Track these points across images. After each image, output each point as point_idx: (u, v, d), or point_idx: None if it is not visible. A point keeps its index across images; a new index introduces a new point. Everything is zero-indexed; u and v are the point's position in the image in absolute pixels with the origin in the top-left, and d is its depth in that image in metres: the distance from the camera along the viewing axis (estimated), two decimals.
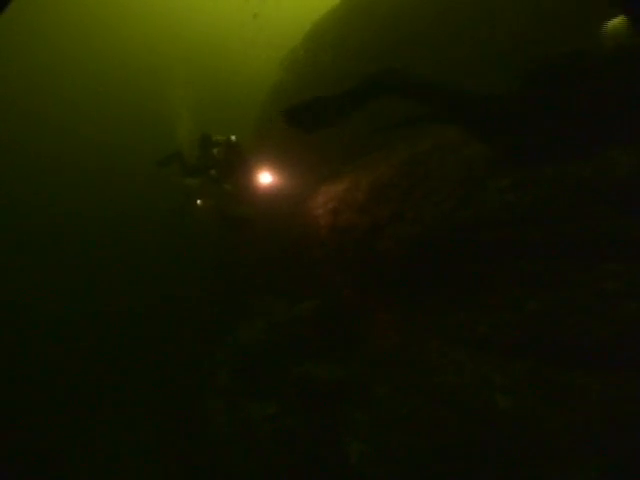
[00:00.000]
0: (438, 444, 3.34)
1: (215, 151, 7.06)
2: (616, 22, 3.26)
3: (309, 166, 6.77)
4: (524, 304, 3.35)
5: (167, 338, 8.08)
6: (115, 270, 12.75)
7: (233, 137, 7.00)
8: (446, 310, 3.73)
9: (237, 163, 6.95)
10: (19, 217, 16.79)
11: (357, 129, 6.82)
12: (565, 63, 3.29)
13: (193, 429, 5.49)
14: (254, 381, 4.88)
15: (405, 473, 3.40)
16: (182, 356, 7.29)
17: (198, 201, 8.16)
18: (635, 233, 3.06)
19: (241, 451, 4.51)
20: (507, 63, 5.02)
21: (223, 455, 4.68)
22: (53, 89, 24.52)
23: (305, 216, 5.86)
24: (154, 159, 8.15)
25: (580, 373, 3.01)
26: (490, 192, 3.49)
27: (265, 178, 6.78)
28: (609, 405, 2.78)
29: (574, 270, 3.29)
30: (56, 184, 19.63)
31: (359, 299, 4.49)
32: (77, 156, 20.79)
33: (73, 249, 14.67)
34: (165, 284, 10.43)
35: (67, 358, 8.52)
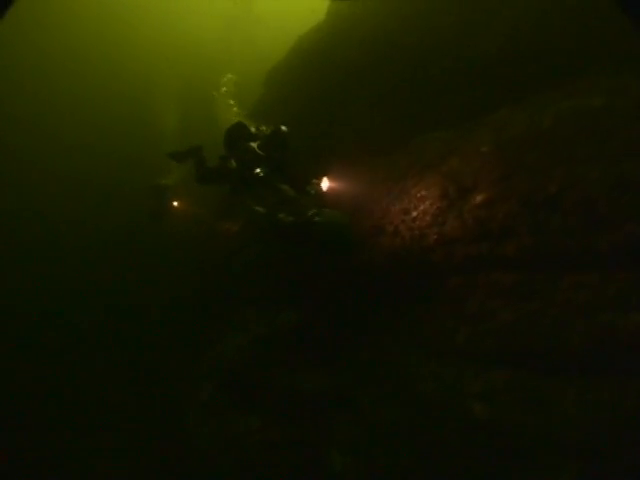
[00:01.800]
0: (419, 453, 3.41)
1: (255, 145, 5.50)
2: None
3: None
4: (499, 314, 3.47)
5: (150, 351, 8.01)
6: (99, 279, 12.57)
7: (283, 127, 5.49)
8: (425, 321, 3.83)
9: (286, 160, 5.53)
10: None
11: (330, 144, 6.93)
12: None
13: (178, 443, 5.46)
14: (238, 394, 4.89)
15: None
16: (166, 368, 7.24)
17: (175, 203, 7.25)
18: (604, 245, 3.19)
19: (226, 464, 4.51)
20: (485, 80, 5.21)
21: (208, 469, 4.68)
22: (40, 94, 24.32)
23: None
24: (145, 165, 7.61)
25: (555, 380, 3.12)
26: (465, 208, 3.62)
27: (326, 182, 5.35)
28: (584, 411, 2.87)
29: (546, 281, 3.41)
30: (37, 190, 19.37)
31: (341, 310, 4.56)
32: (61, 162, 20.55)
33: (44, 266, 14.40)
34: (148, 294, 10.32)
35: (49, 370, 8.40)
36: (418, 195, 4.13)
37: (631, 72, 3.61)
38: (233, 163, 5.55)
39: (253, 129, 5.63)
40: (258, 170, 5.32)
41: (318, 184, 5.29)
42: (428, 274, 3.92)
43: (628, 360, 2.87)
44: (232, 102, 7.12)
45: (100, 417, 6.96)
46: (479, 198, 3.59)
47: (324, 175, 5.36)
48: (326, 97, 8.06)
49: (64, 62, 25.44)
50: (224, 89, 7.46)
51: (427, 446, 3.39)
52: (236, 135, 5.67)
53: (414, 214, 4.04)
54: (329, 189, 5.29)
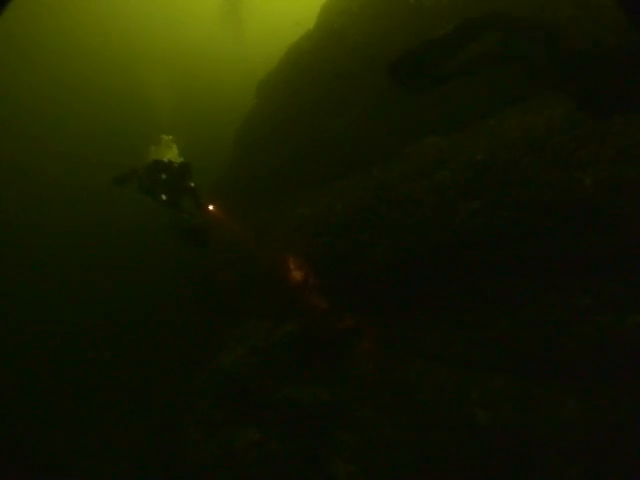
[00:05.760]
0: (422, 461, 3.39)
1: None
2: None
3: (280, 190, 6.62)
4: (498, 321, 3.47)
5: (147, 365, 7.92)
6: (98, 290, 12.43)
7: None
8: (424, 330, 3.82)
9: None
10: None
11: (323, 153, 6.92)
12: None
13: (176, 457, 5.38)
14: (237, 407, 4.83)
15: None
16: (163, 383, 7.15)
17: (210, 207, 5.71)
18: (601, 249, 3.21)
19: (225, 478, 4.44)
20: (478, 86, 5.23)
21: None
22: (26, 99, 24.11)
23: (283, 239, 5.83)
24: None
25: (554, 385, 3.12)
26: (461, 215, 3.62)
27: None
28: (586, 415, 2.87)
29: (545, 286, 3.42)
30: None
31: (340, 321, 4.54)
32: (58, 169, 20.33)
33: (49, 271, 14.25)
34: (145, 307, 10.23)
35: (46, 382, 8.29)
36: (414, 203, 4.13)
37: None
38: None
39: None
40: None
41: None
42: (425, 282, 3.92)
43: (626, 362, 2.89)
44: None
45: (97, 431, 6.87)
46: (475, 204, 3.60)
47: None
48: (320, 105, 8.06)
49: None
50: None
51: (430, 453, 3.37)
52: None
53: (412, 222, 4.03)
54: None
